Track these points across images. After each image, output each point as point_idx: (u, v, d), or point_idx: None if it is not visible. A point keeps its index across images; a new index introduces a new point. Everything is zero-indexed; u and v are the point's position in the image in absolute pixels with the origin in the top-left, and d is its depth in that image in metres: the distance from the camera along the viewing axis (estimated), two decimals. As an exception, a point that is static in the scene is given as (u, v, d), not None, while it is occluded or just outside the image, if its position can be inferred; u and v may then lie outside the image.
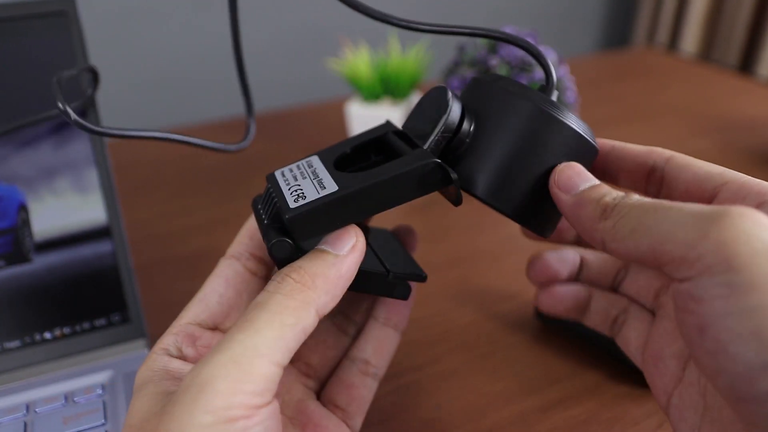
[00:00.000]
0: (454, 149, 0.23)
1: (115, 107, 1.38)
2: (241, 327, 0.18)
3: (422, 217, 0.50)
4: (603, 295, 0.28)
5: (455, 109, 0.23)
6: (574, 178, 0.21)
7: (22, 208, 0.31)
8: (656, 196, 0.23)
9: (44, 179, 0.32)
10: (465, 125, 0.23)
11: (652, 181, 0.23)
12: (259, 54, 1.46)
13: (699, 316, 0.16)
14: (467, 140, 0.23)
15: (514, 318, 0.38)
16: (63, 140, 0.32)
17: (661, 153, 0.22)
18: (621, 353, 0.32)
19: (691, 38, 1.52)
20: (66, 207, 0.32)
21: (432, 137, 0.22)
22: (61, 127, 0.32)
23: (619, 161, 0.23)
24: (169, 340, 0.22)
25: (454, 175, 0.21)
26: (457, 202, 0.22)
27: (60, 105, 0.22)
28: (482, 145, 0.23)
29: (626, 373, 0.33)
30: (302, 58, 1.50)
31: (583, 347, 0.35)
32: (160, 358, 0.21)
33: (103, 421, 0.29)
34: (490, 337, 0.36)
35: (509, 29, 0.51)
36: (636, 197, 0.19)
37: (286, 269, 0.20)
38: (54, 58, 0.31)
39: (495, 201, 0.22)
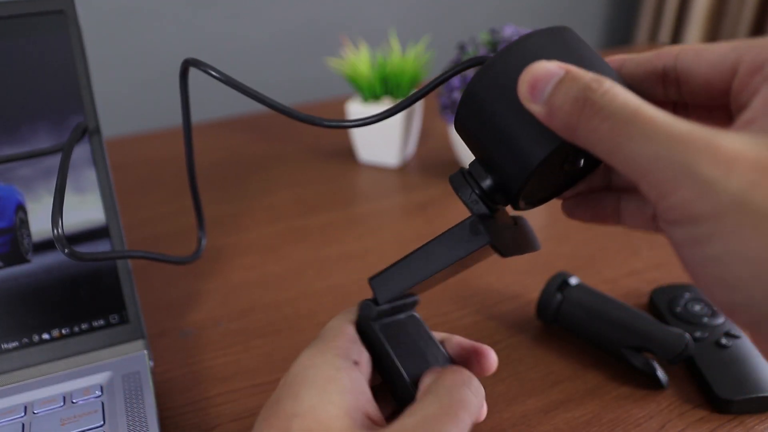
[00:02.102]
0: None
1: (114, 107, 1.38)
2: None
3: (422, 217, 0.50)
4: (633, 197, 0.25)
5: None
6: (537, 83, 0.19)
7: (20, 208, 0.31)
8: (677, 97, 0.21)
9: (42, 179, 0.32)
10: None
11: (669, 83, 0.21)
12: (259, 54, 1.46)
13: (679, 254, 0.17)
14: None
15: (515, 319, 0.37)
16: (61, 140, 0.32)
17: (668, 52, 0.21)
18: (623, 354, 0.32)
19: (693, 38, 1.51)
20: (65, 207, 0.32)
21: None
22: (59, 126, 0.32)
23: (631, 75, 0.22)
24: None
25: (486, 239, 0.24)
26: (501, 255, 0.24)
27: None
28: None
29: (628, 375, 0.33)
30: (302, 58, 1.50)
31: (585, 348, 0.35)
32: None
33: (101, 422, 0.28)
34: (492, 338, 0.36)
35: (509, 29, 0.51)
36: (615, 95, 0.17)
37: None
38: (52, 57, 0.31)
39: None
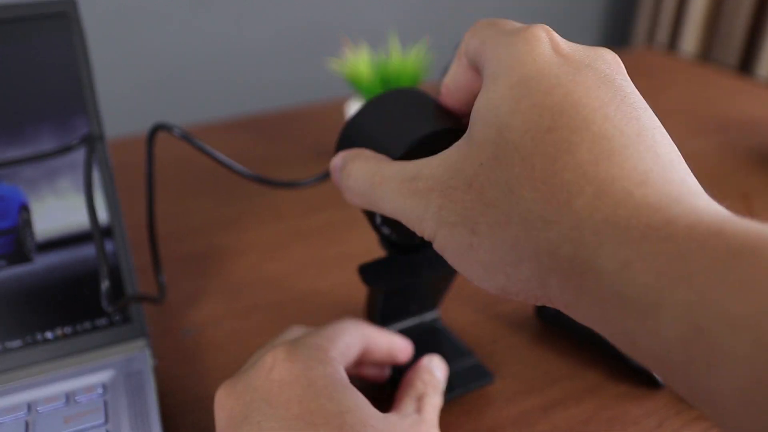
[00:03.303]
0: None
1: (115, 107, 1.38)
2: None
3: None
4: None
5: None
6: (336, 167, 0.24)
7: (24, 209, 0.32)
8: None
9: (46, 179, 0.32)
10: None
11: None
12: (260, 54, 1.46)
13: None
14: None
15: (515, 318, 0.38)
16: (64, 141, 0.32)
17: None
18: (621, 353, 0.32)
19: (690, 38, 1.52)
20: (67, 207, 0.32)
21: None
22: (62, 127, 0.32)
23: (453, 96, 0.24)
24: None
25: None
26: None
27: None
28: None
29: (626, 373, 0.33)
30: (302, 58, 1.50)
31: (583, 347, 0.35)
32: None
33: (103, 420, 0.29)
34: (491, 337, 0.36)
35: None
36: (351, 175, 0.23)
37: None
38: (55, 58, 0.31)
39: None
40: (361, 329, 0.28)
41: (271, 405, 0.23)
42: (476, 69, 0.22)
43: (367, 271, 0.29)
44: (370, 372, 0.31)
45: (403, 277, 0.29)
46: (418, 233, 0.21)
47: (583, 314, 0.17)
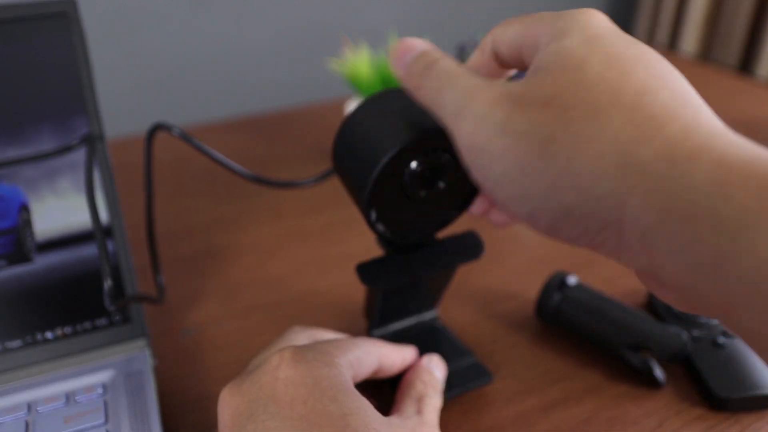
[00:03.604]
0: None
1: (115, 107, 1.38)
2: None
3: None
4: None
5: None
6: (404, 53, 0.23)
7: (24, 209, 0.32)
8: (512, 66, 0.25)
9: (46, 179, 0.32)
10: None
11: (498, 59, 0.24)
12: (260, 54, 1.46)
13: None
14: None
15: (515, 318, 0.38)
16: (64, 141, 0.32)
17: (490, 34, 0.24)
18: (621, 353, 0.32)
19: (690, 38, 1.52)
20: (67, 207, 0.32)
21: None
22: (62, 127, 0.32)
23: (476, 59, 0.25)
24: None
25: None
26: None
27: None
28: None
29: (626, 373, 0.33)
30: (302, 58, 1.50)
31: (583, 347, 0.35)
32: None
33: (103, 420, 0.29)
34: (491, 336, 0.36)
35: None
36: (443, 64, 0.22)
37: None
38: (55, 58, 0.31)
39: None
40: (378, 348, 0.28)
41: (276, 404, 0.23)
42: (498, 59, 0.24)
43: (365, 271, 0.29)
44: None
45: (401, 276, 0.29)
46: (448, 126, 0.21)
47: (665, 236, 0.17)
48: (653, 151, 0.17)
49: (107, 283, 0.28)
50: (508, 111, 0.19)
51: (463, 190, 0.28)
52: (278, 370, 0.24)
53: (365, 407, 0.24)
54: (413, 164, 0.25)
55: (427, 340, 0.33)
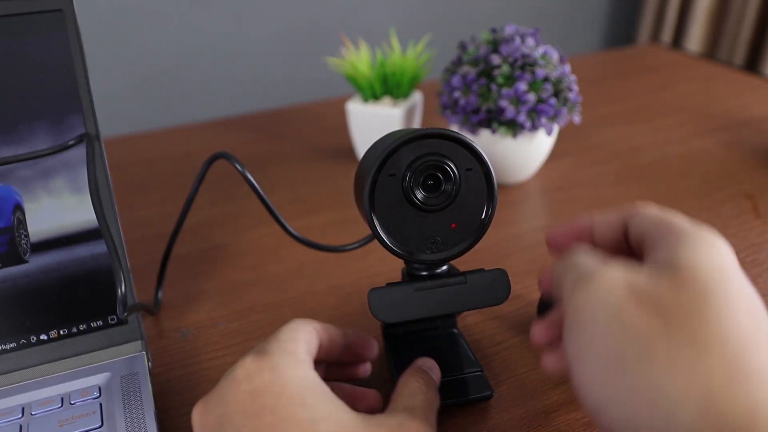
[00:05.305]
0: None
1: (114, 107, 1.38)
2: None
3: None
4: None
5: None
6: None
7: (18, 209, 0.31)
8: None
9: (40, 179, 0.31)
10: None
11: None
12: (260, 54, 1.46)
13: None
14: None
15: (517, 320, 0.37)
16: (59, 140, 0.32)
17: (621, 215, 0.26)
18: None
19: (696, 37, 1.51)
20: (62, 207, 0.32)
21: None
22: (57, 126, 0.31)
23: (601, 234, 0.27)
24: None
25: None
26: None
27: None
28: None
29: (630, 376, 0.33)
30: (302, 58, 1.50)
31: (586, 349, 0.35)
32: None
33: (99, 423, 0.28)
34: (493, 339, 0.36)
35: (510, 28, 0.50)
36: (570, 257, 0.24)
37: None
38: (51, 56, 0.31)
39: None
40: (310, 324, 0.27)
41: (245, 416, 0.23)
42: (626, 230, 0.26)
43: (378, 300, 0.29)
44: (348, 372, 0.31)
45: (414, 312, 0.29)
46: (555, 294, 0.24)
47: None
48: (739, 410, 0.18)
49: (120, 291, 0.28)
50: (625, 296, 0.21)
51: (473, 218, 0.29)
52: (243, 383, 0.23)
53: (337, 409, 0.23)
54: (410, 157, 0.27)
55: (440, 345, 0.33)
